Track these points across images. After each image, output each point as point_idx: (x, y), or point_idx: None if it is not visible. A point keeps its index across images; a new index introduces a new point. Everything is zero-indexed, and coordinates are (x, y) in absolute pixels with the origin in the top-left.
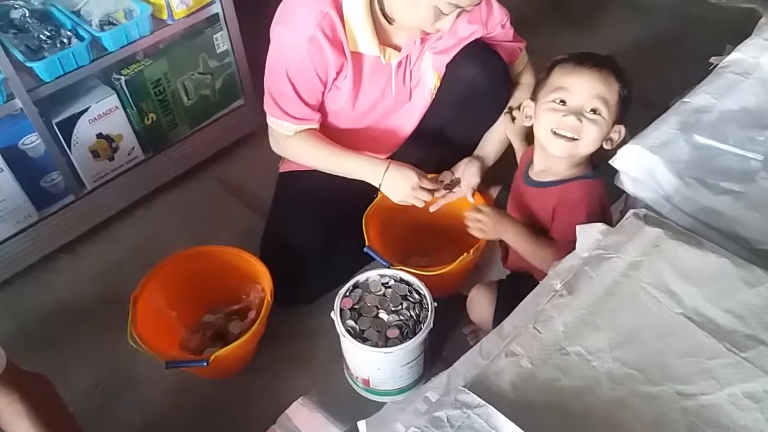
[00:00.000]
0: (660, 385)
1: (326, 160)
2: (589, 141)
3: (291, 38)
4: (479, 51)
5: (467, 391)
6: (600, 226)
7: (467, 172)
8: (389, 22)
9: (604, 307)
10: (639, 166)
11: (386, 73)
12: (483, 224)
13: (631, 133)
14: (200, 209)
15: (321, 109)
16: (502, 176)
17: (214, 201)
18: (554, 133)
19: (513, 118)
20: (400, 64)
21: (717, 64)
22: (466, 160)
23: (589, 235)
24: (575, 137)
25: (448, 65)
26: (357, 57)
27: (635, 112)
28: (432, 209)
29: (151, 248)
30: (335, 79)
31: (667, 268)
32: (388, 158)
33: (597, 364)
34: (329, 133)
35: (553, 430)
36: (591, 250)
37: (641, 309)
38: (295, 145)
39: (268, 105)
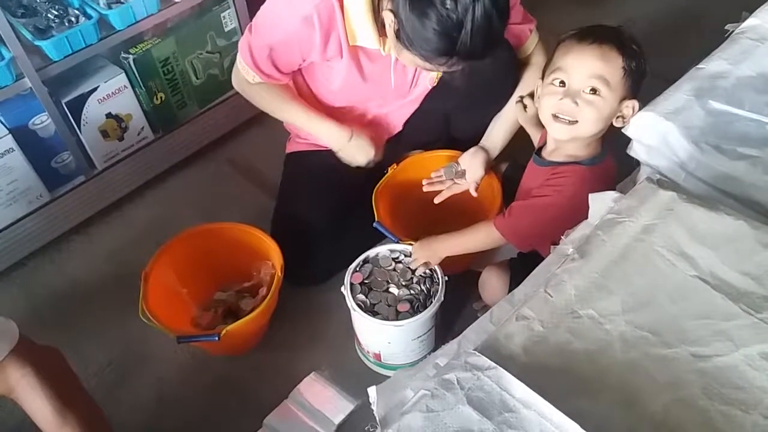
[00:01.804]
0: (674, 347)
1: (287, 112)
2: (587, 123)
3: (285, 12)
4: None
5: (477, 354)
6: (612, 194)
7: (472, 165)
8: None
9: (616, 270)
10: (652, 133)
11: (386, 64)
12: (419, 259)
13: None
14: (211, 189)
15: (318, 91)
16: (511, 153)
17: (225, 181)
18: (554, 116)
19: (525, 107)
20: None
21: (733, 31)
22: (471, 150)
23: (601, 202)
24: (575, 120)
25: None
26: (355, 49)
27: (653, 87)
28: (437, 200)
29: (162, 228)
30: (328, 61)
31: (682, 231)
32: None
33: (610, 327)
34: (328, 111)
35: (565, 392)
36: (603, 215)
37: (655, 272)
38: (258, 90)
39: (242, 47)
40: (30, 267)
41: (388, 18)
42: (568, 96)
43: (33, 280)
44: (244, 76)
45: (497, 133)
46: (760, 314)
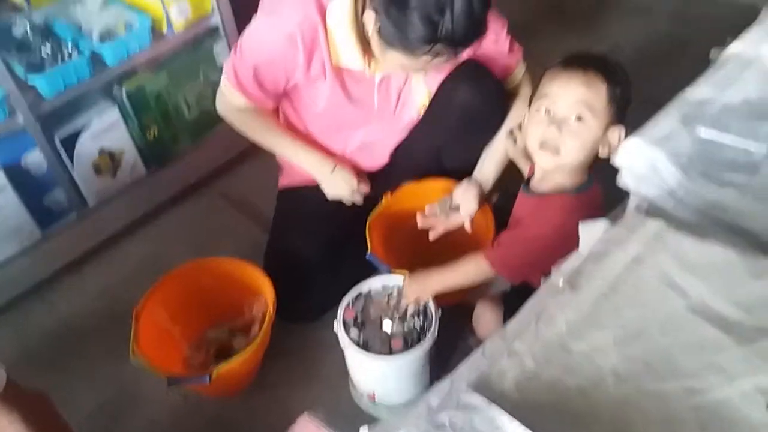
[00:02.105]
0: (668, 381)
1: (273, 140)
2: (572, 151)
3: (269, 31)
4: (472, 73)
5: (470, 392)
6: (602, 223)
7: (465, 199)
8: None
9: (607, 302)
10: (641, 160)
11: (369, 86)
12: (409, 295)
13: None
14: (204, 224)
15: (304, 116)
16: (502, 184)
17: (218, 216)
18: (540, 145)
19: (514, 140)
20: (383, 79)
21: (717, 57)
22: (464, 184)
23: (591, 232)
24: (559, 148)
25: (440, 87)
26: (339, 70)
27: (640, 113)
28: (432, 237)
29: (155, 264)
30: (312, 82)
31: (671, 261)
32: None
33: (602, 361)
34: (315, 143)
35: (558, 430)
36: (593, 246)
37: (646, 304)
38: (241, 115)
39: (227, 68)
40: (21, 307)
41: (370, 18)
42: (553, 124)
43: (25, 320)
44: (230, 99)
45: (488, 166)
46: (752, 346)
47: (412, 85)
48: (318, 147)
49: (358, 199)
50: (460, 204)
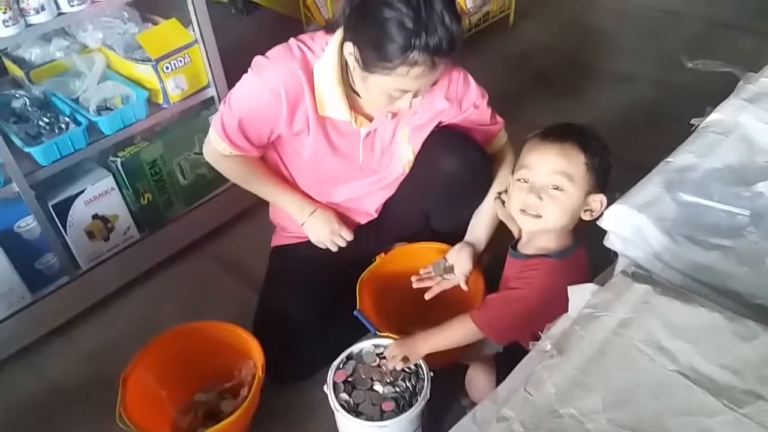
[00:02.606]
0: None
1: (257, 184)
2: (552, 217)
3: (254, 87)
4: (456, 141)
5: None
6: (591, 286)
7: (459, 259)
8: (359, 95)
9: (595, 366)
10: (626, 225)
11: (354, 139)
12: (396, 356)
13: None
14: (196, 287)
15: (291, 167)
16: (493, 246)
17: (210, 278)
18: (522, 211)
19: (503, 202)
20: (368, 134)
21: (698, 125)
22: (458, 246)
23: (579, 295)
24: (539, 215)
25: (424, 155)
26: (324, 121)
27: (625, 176)
28: (428, 296)
29: (146, 327)
30: (295, 135)
31: (659, 325)
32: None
33: (591, 426)
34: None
35: None
36: (581, 309)
37: (634, 368)
38: (227, 162)
39: (215, 118)
40: (7, 371)
41: (348, 49)
42: (533, 192)
43: (10, 384)
44: (215, 147)
45: (479, 228)
46: (742, 409)
47: (398, 139)
48: (303, 194)
49: (341, 242)
50: (455, 264)
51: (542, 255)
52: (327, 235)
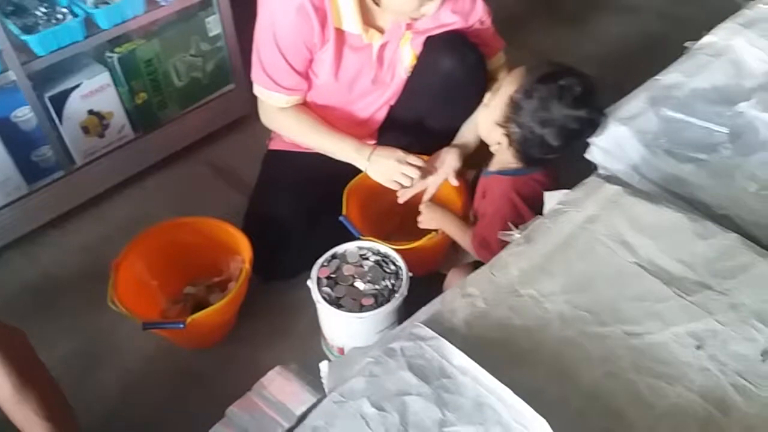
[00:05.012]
0: (609, 326)
1: (314, 137)
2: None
3: (279, 8)
4: (457, 43)
5: (421, 325)
6: (565, 191)
7: (448, 157)
8: (376, 4)
9: (559, 255)
10: (608, 137)
11: (367, 53)
12: (434, 219)
13: None
14: (189, 190)
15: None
16: (477, 161)
17: (202, 183)
18: None
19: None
20: (382, 46)
21: (691, 47)
22: (445, 149)
23: (556, 199)
24: None
25: (425, 55)
26: (340, 33)
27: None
28: (401, 200)
29: (138, 225)
30: (319, 49)
31: (624, 222)
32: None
33: (549, 306)
34: (312, 110)
35: (502, 363)
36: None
37: (596, 258)
38: (285, 118)
39: (257, 75)
40: (4, 258)
41: None
42: None
43: (6, 271)
44: (270, 104)
45: (467, 134)
46: (690, 297)
47: (401, 46)
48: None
49: (411, 171)
50: (443, 162)
51: (499, 172)
52: (395, 168)
